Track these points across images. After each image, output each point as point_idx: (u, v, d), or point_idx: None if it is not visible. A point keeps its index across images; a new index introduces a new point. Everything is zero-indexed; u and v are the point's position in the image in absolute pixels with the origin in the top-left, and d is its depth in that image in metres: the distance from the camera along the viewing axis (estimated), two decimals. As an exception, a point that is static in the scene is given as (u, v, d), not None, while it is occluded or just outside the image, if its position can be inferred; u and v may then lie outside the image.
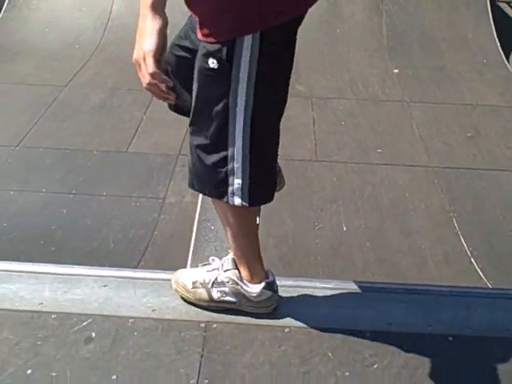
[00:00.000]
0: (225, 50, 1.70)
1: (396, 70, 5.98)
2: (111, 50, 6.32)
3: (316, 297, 2.73)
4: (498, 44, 6.41)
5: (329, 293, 2.79)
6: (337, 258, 3.56)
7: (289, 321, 2.57)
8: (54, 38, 6.53)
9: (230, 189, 1.90)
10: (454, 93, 5.60)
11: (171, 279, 2.52)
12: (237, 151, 1.83)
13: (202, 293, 2.34)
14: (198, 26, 1.72)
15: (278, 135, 2.00)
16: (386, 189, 4.21)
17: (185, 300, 2.44)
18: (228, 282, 2.25)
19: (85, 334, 2.35)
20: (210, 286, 2.30)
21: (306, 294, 2.74)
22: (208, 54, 1.73)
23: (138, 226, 3.78)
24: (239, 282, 2.21)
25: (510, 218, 3.91)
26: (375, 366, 2.39)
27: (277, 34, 1.75)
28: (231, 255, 2.25)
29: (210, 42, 1.71)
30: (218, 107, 1.80)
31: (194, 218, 3.86)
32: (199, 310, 2.56)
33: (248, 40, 1.68)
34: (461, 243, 3.66)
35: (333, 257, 3.56)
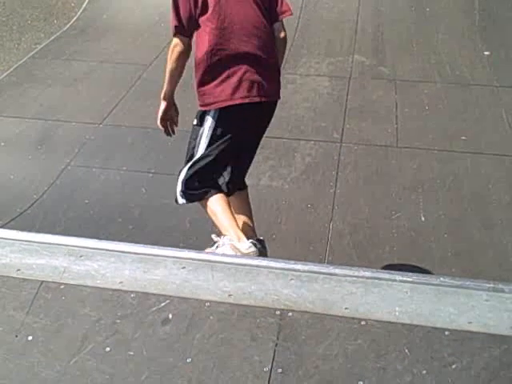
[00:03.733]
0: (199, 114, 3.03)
1: (487, 52, 5.70)
2: (194, 28, 6.37)
3: (394, 290, 2.66)
4: None
5: (408, 287, 2.71)
6: (414, 249, 3.47)
7: (366, 314, 2.52)
8: (140, 15, 6.66)
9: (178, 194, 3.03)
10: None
11: None
12: (183, 171, 3.00)
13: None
14: None
15: (213, 168, 3.01)
16: (468, 179, 4.05)
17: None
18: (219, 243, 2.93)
19: (162, 314, 2.39)
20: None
21: (385, 287, 2.68)
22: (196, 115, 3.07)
23: (214, 207, 3.82)
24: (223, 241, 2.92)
25: None
26: (454, 366, 2.31)
27: (220, 114, 2.91)
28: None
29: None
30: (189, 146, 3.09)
31: (269, 202, 3.86)
32: (275, 297, 2.56)
33: (210, 112, 2.96)
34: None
35: (409, 248, 3.48)
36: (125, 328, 2.34)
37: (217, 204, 2.94)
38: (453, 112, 4.81)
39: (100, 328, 2.33)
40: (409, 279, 2.76)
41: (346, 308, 2.57)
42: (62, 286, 2.48)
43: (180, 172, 3.01)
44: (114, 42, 6.18)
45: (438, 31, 6.05)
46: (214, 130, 2.94)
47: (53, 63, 5.78)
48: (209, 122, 2.96)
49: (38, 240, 2.76)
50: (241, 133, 2.96)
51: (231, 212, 2.97)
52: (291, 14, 2.99)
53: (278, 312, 2.48)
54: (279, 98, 3.03)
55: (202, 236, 3.55)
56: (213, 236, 2.98)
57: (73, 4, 7.32)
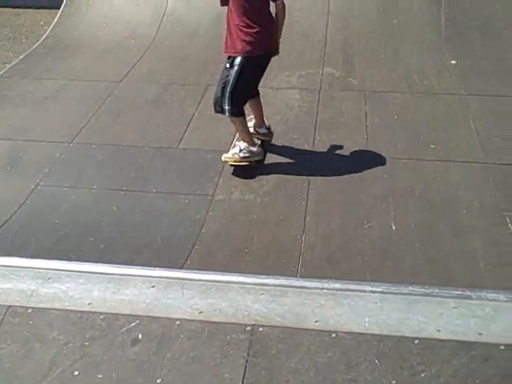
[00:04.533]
0: (230, 60, 4.04)
1: (453, 62, 5.79)
2: (166, 44, 6.38)
3: (364, 301, 2.68)
4: None
5: (377, 297, 2.74)
6: (385, 258, 3.49)
7: (336, 326, 2.54)
8: (110, 32, 6.64)
9: (226, 108, 4.12)
10: (514, 84, 5.39)
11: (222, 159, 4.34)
12: (227, 94, 4.06)
13: (236, 157, 4.31)
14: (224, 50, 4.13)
15: (248, 90, 4.22)
16: (438, 186, 4.10)
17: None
18: (243, 148, 4.30)
19: (132, 335, 2.39)
20: (239, 152, 4.30)
21: (355, 298, 2.70)
22: (226, 61, 4.09)
23: (186, 223, 3.82)
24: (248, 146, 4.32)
25: None
26: (423, 375, 2.33)
27: (248, 60, 3.99)
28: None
29: (227, 55, 4.08)
30: (225, 76, 4.08)
31: (241, 216, 3.88)
32: (246, 312, 2.56)
33: (239, 58, 3.99)
34: (516, 245, 3.54)
35: (381, 257, 3.50)
36: (94, 350, 2.33)
37: (245, 122, 4.26)
38: (422, 121, 4.87)
39: (68, 351, 2.31)
40: (378, 289, 2.79)
41: (316, 321, 2.59)
42: (30, 310, 2.46)
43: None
44: (84, 59, 6.17)
45: (406, 42, 6.13)
46: (245, 70, 4.04)
47: (22, 82, 5.75)
48: (240, 63, 4.04)
49: (4, 264, 2.74)
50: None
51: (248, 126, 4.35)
52: None
53: (248, 328, 2.49)
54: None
55: (175, 253, 3.55)
56: (235, 142, 4.42)
57: (42, 22, 7.30)
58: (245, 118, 4.24)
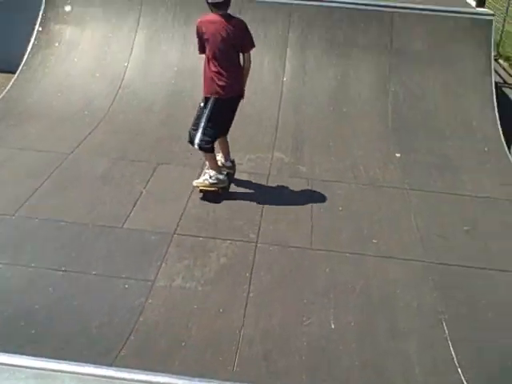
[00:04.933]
0: (205, 100, 4.86)
1: (398, 155, 6.01)
2: (120, 118, 6.41)
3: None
4: (501, 132, 6.45)
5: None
6: (322, 358, 3.48)
7: None
8: (65, 102, 6.63)
9: (196, 142, 4.91)
10: (454, 182, 5.60)
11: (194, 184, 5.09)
12: (200, 129, 4.85)
13: (206, 183, 5.04)
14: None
15: (220, 128, 5.01)
16: (378, 283, 4.16)
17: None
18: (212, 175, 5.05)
19: None
20: (209, 179, 5.05)
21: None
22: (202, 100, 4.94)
23: (123, 310, 3.74)
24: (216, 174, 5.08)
25: (503, 324, 3.84)
26: None
27: (219, 101, 4.80)
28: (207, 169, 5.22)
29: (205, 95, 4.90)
30: (200, 114, 4.92)
31: (181, 305, 3.83)
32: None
33: (212, 98, 4.80)
34: (449, 350, 3.59)
35: (319, 357, 3.49)
36: None
37: (214, 155, 5.03)
38: (366, 213, 4.98)
39: None
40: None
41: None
42: None
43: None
44: (36, 128, 6.12)
45: (354, 132, 6.35)
46: (215, 110, 4.86)
47: (-28, 148, 5.66)
48: (212, 104, 4.86)
49: None
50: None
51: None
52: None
53: None
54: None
55: (108, 343, 3.45)
56: (206, 170, 5.18)
57: (-4, 86, 7.26)
58: (214, 152, 5.03)
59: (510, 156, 6.13)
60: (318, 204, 5.07)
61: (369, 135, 6.31)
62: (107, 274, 4.08)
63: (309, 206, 5.03)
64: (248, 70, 4.91)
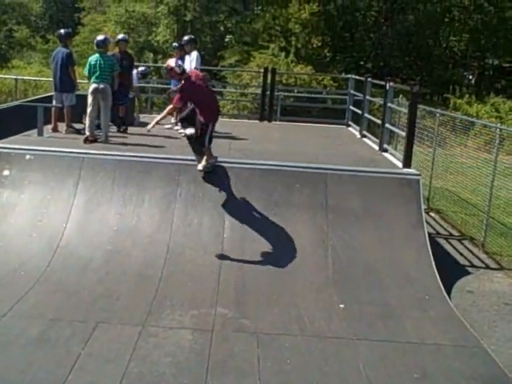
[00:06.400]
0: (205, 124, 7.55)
1: (342, 305, 6.01)
2: (56, 277, 6.21)
3: None
4: (439, 280, 6.60)
5: None
6: None
7: None
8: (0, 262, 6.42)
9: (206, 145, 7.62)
10: (399, 330, 5.61)
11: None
12: (207, 138, 7.48)
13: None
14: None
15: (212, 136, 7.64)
16: None
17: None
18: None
19: None
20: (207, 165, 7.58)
21: None
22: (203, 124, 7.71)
23: None
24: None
25: None
26: None
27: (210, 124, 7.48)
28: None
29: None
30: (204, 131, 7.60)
31: None
32: None
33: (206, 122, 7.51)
34: None
35: None
36: None
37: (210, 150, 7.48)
38: (314, 366, 4.86)
39: None
40: None
41: None
42: None
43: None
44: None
45: (297, 283, 6.36)
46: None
47: None
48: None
49: None
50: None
51: None
52: None
53: None
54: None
55: None
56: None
57: None
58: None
59: (451, 303, 6.24)
60: (265, 358, 4.92)
61: (311, 287, 6.33)
62: None
63: (255, 360, 4.87)
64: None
